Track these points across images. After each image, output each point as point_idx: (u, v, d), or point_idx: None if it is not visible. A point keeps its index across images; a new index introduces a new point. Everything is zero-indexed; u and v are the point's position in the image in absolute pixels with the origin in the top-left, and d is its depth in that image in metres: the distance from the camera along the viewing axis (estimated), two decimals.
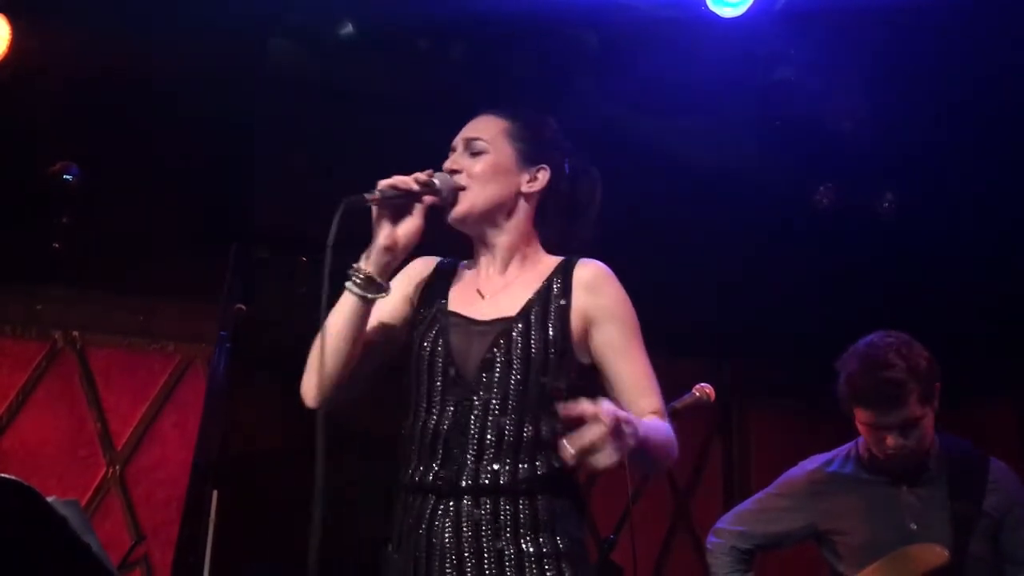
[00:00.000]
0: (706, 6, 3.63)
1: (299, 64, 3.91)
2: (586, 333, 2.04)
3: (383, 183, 2.00)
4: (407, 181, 2.01)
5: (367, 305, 2.00)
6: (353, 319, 1.99)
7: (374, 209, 2.01)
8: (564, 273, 2.07)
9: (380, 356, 2.13)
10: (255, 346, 4.39)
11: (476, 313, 2.06)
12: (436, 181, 2.05)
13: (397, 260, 2.03)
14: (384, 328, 2.13)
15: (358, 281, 1.98)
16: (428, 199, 2.04)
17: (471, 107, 3.89)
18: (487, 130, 2.15)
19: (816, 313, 4.97)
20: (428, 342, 2.04)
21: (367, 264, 2.00)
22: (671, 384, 3.20)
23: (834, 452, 3.07)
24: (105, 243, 4.40)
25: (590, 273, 2.08)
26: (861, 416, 2.83)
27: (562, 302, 2.02)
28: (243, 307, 4.14)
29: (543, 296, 2.04)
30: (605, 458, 1.67)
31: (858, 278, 4.91)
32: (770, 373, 5.66)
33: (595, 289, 2.06)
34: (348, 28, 3.82)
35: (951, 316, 4.52)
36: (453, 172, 2.10)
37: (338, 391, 2.02)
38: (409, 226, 2.02)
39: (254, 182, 4.40)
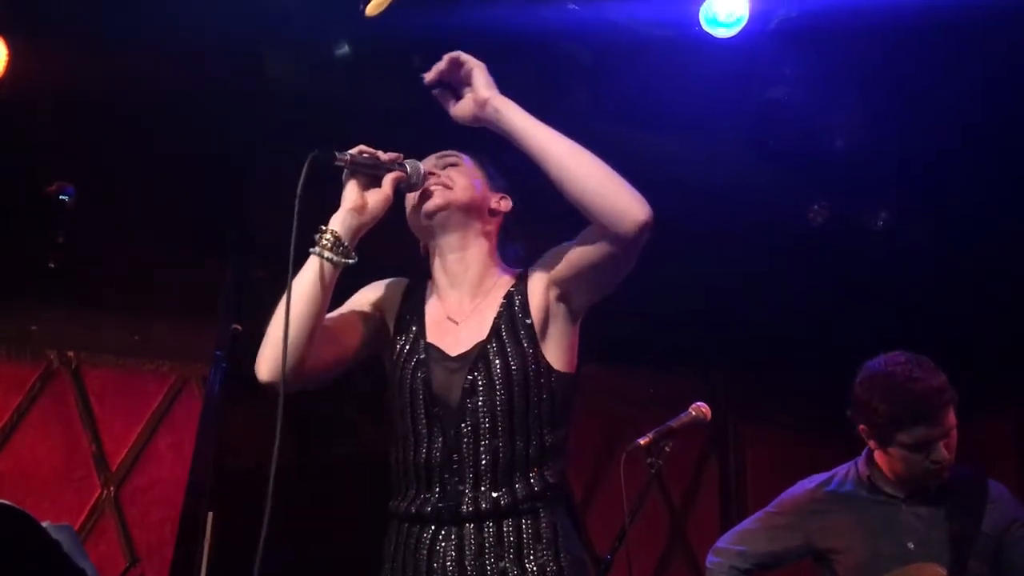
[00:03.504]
0: (700, 26, 3.66)
1: (296, 80, 3.93)
2: (558, 302, 2.04)
3: (353, 149, 2.03)
4: (376, 152, 2.06)
5: (334, 270, 1.97)
6: (317, 284, 1.94)
7: (345, 173, 2.04)
8: (521, 290, 2.09)
9: (343, 355, 2.10)
10: (252, 365, 4.37)
11: (452, 343, 2.05)
12: (406, 164, 2.10)
13: (365, 226, 2.02)
14: (352, 326, 2.12)
15: (325, 242, 1.96)
16: (396, 174, 2.06)
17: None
18: (457, 154, 2.24)
19: (812, 332, 4.98)
20: (408, 377, 2.04)
21: (335, 224, 1.99)
22: (667, 401, 3.21)
23: (833, 471, 3.07)
24: (100, 262, 4.39)
25: (534, 277, 2.10)
26: (907, 438, 2.75)
27: (528, 321, 2.03)
28: (239, 327, 4.14)
29: (508, 312, 2.05)
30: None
31: (853, 296, 4.92)
32: (765, 391, 5.66)
33: (537, 278, 2.08)
34: (344, 48, 3.84)
35: (947, 332, 4.52)
36: (429, 175, 2.14)
37: (293, 369, 1.93)
38: (378, 195, 2.03)
39: (250, 199, 4.40)
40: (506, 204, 2.22)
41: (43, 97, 3.88)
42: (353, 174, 2.04)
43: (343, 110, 3.98)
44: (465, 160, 2.22)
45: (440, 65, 2.01)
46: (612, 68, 3.98)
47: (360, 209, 2.00)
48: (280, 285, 1.92)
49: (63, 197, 3.96)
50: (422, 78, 2.04)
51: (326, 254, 1.96)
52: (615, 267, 1.97)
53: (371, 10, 3.58)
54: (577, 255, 1.99)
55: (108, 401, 4.69)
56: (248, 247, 4.43)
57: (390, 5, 3.57)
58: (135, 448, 4.66)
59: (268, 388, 1.95)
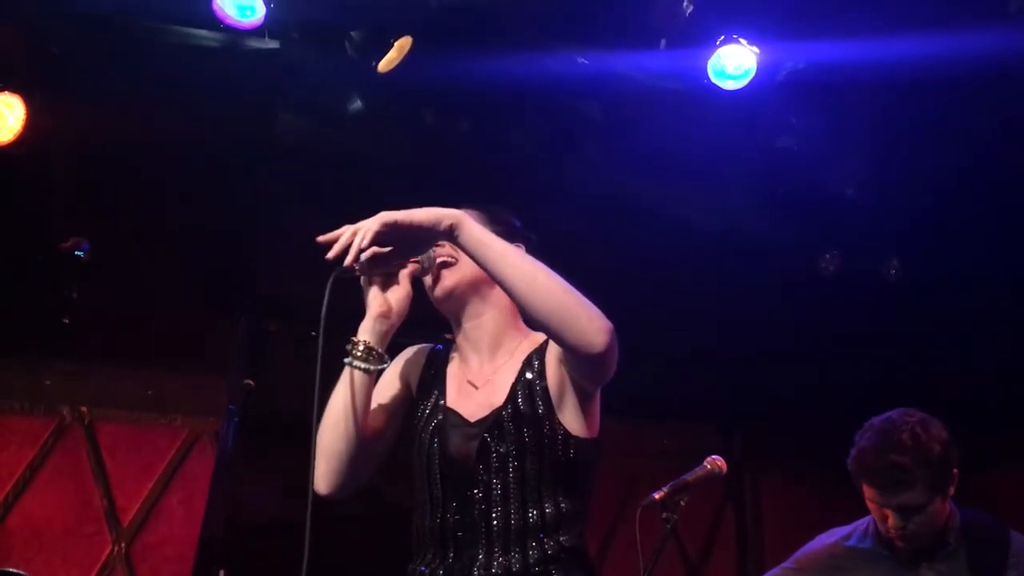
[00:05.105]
0: (708, 79, 3.68)
1: (307, 136, 3.97)
2: (568, 375, 2.00)
3: (365, 253, 1.92)
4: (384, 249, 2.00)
5: (370, 378, 2.00)
6: (358, 394, 1.98)
7: (363, 280, 2.03)
8: (540, 353, 2.06)
9: (389, 442, 2.12)
10: (264, 420, 4.37)
11: (471, 408, 2.04)
12: None
13: (393, 328, 2.03)
14: (390, 414, 2.13)
15: (358, 353, 1.99)
16: (411, 267, 2.06)
17: (476, 176, 3.95)
18: None
19: (825, 381, 4.94)
20: (426, 441, 2.03)
21: (365, 335, 2.00)
22: (682, 454, 3.17)
23: (852, 526, 3.02)
24: (113, 317, 4.41)
25: (551, 346, 2.06)
26: (865, 491, 2.78)
27: (544, 387, 2.01)
28: (251, 382, 4.15)
29: (525, 377, 2.03)
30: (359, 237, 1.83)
31: (866, 345, 4.89)
32: (782, 443, 5.60)
33: (552, 348, 2.04)
34: (357, 103, 3.87)
35: (961, 382, 4.48)
36: (436, 247, 2.09)
37: (352, 475, 2.01)
38: (399, 293, 2.03)
39: (262, 254, 4.43)
40: None
41: (59, 155, 3.93)
42: (371, 279, 2.03)
43: (355, 164, 4.02)
44: None
45: (366, 249, 1.86)
46: (622, 120, 4.01)
47: (386, 314, 2.01)
48: (294, 338, 1.91)
49: (78, 253, 4.00)
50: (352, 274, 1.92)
51: (362, 364, 1.99)
52: (592, 373, 1.96)
53: (383, 66, 3.63)
54: (563, 355, 1.97)
55: (120, 456, 4.68)
56: (259, 302, 4.45)
57: (402, 61, 3.62)
58: (147, 504, 4.63)
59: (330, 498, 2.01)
